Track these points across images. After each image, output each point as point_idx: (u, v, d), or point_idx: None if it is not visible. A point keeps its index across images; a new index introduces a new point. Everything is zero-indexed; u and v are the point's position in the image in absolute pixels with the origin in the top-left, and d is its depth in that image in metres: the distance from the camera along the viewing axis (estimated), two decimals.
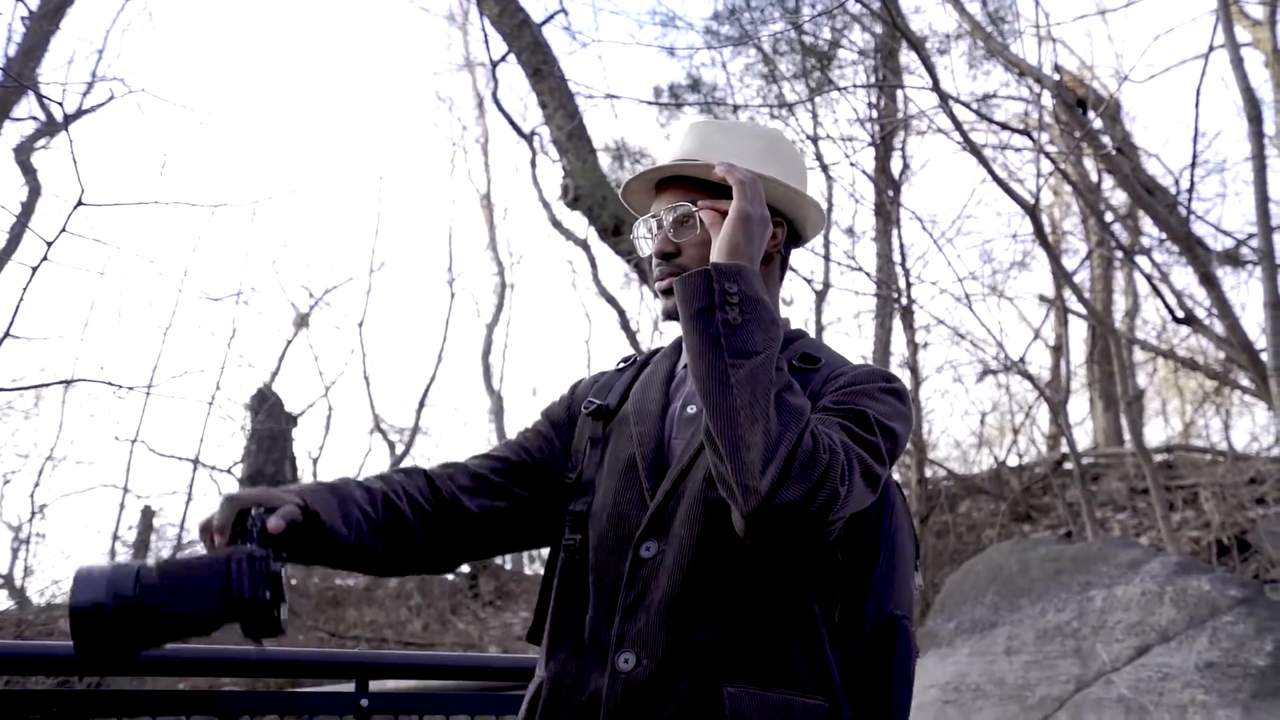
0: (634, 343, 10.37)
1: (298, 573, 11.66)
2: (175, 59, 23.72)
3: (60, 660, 2.05)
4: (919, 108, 8.24)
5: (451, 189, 25.54)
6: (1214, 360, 8.76)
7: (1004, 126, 7.51)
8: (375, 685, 2.30)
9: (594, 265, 11.10)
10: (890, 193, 8.87)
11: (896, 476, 1.52)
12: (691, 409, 1.50)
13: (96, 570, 1.23)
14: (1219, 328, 6.44)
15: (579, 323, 27.76)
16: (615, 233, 8.63)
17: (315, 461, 15.50)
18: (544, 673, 1.46)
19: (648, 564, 1.41)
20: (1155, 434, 12.03)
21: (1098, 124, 7.58)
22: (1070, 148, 7.16)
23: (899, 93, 8.72)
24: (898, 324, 8.95)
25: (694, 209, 1.48)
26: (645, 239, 1.56)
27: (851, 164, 8.77)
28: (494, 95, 10.07)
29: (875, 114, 8.86)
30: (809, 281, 9.40)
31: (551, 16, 9.45)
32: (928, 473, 8.34)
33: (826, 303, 9.94)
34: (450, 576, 12.11)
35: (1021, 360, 9.27)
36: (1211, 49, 6.10)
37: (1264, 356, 5.28)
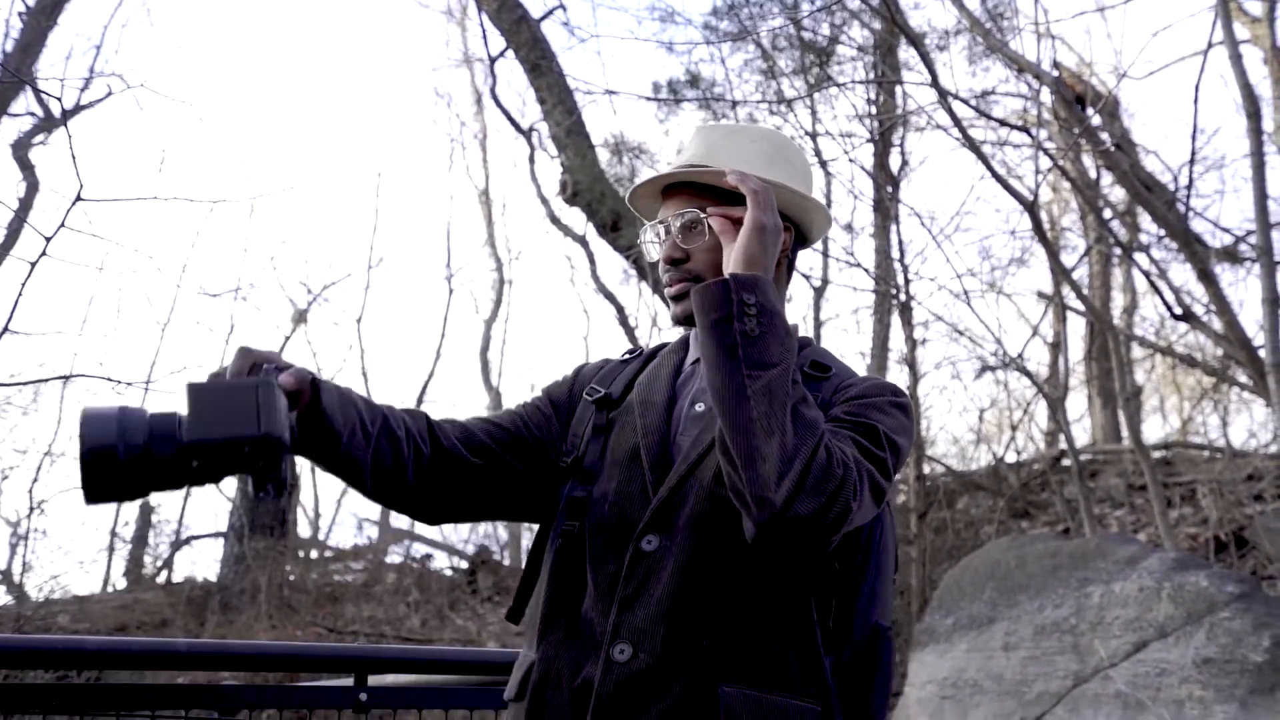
0: (632, 339, 10.37)
1: (297, 569, 11.67)
2: (173, 55, 23.71)
3: (59, 655, 2.06)
4: (918, 104, 8.25)
5: (450, 185, 25.62)
6: (1212, 357, 8.78)
7: (1003, 123, 7.51)
8: (374, 680, 2.31)
9: (592, 261, 11.08)
10: (889, 189, 8.87)
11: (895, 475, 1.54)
12: (699, 407, 1.51)
13: (106, 412, 1.18)
14: (1217, 324, 6.45)
15: (577, 319, 27.77)
16: (614, 228, 8.62)
17: None
18: (534, 654, 1.46)
19: (649, 557, 1.41)
20: (1153, 430, 12.03)
21: (1096, 120, 7.57)
22: (1069, 144, 7.15)
23: (898, 89, 8.72)
24: (896, 320, 8.95)
25: (702, 215, 1.49)
26: (653, 244, 1.56)
27: (850, 160, 8.77)
28: (492, 91, 10.04)
29: (874, 110, 8.85)
30: (807, 278, 9.42)
31: (550, 12, 9.41)
32: (926, 469, 8.34)
33: (825, 299, 9.96)
34: (449, 572, 12.13)
35: (1020, 357, 9.27)
36: (1210, 45, 6.11)
37: (1262, 353, 5.28)
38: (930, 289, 19.61)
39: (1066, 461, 8.51)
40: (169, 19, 26.80)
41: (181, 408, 1.21)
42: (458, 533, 13.06)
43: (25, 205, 8.55)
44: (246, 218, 18.43)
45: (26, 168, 8.61)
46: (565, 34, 21.29)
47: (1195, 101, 6.07)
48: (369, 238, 24.92)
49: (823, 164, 8.71)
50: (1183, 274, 8.85)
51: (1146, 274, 7.42)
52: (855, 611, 1.42)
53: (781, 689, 1.36)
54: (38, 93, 8.22)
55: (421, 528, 14.21)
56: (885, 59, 8.54)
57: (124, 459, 1.16)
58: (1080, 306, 9.27)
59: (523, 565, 1.62)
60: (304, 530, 14.29)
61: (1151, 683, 4.27)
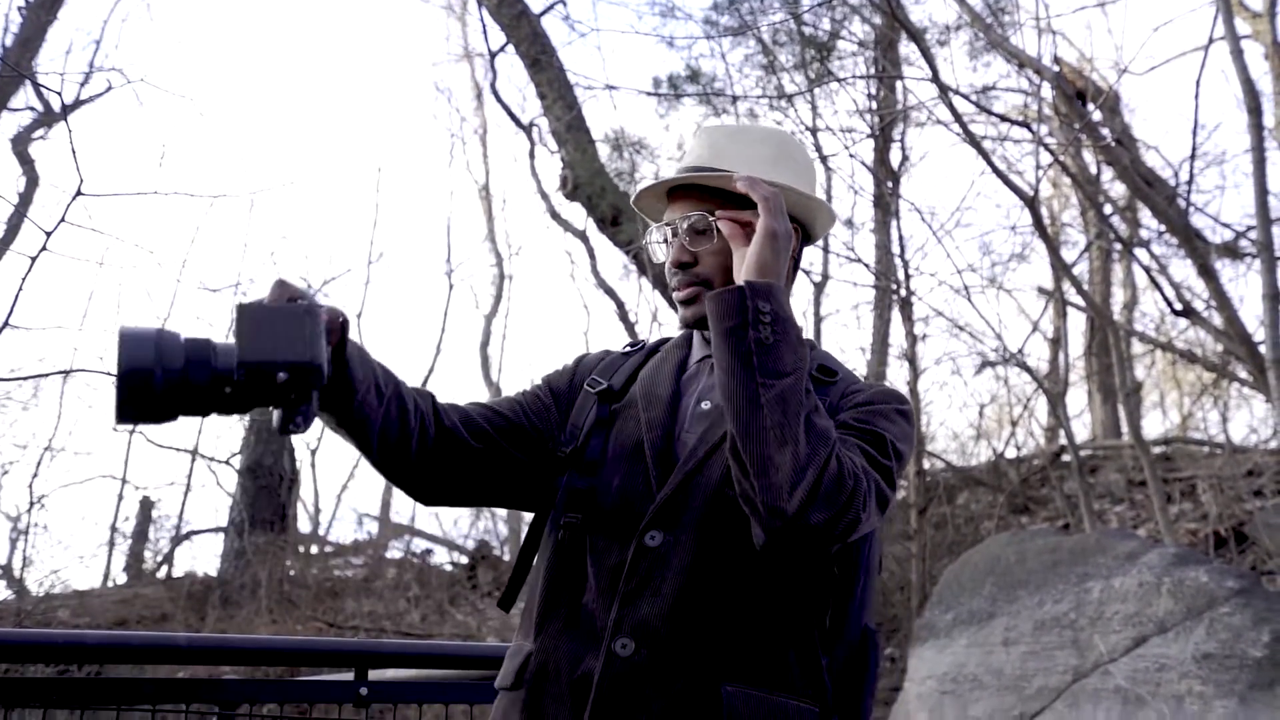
0: (633, 334, 10.37)
1: (297, 564, 11.68)
2: (173, 50, 23.69)
3: (59, 649, 2.06)
4: (918, 99, 8.24)
5: (450, 180, 25.59)
6: (1212, 352, 8.78)
7: (1003, 118, 7.50)
8: (374, 674, 2.31)
9: (592, 256, 11.07)
10: (889, 184, 8.85)
11: None
12: (706, 404, 1.51)
13: (144, 333, 1.16)
14: (1217, 320, 6.44)
15: (577, 314, 27.79)
16: (614, 224, 8.61)
17: (314, 453, 15.50)
18: (531, 645, 1.45)
19: (652, 553, 1.41)
20: (1153, 426, 12.04)
21: (1097, 116, 7.56)
22: (1069, 140, 7.14)
23: (898, 84, 8.71)
24: (896, 316, 8.95)
25: (710, 219, 1.48)
26: (659, 245, 1.56)
27: (850, 155, 8.74)
28: (492, 86, 10.02)
29: (874, 105, 8.84)
30: (807, 273, 9.41)
31: (550, 7, 9.39)
32: (926, 465, 8.34)
33: (825, 294, 9.97)
34: (449, 568, 12.14)
35: (1020, 352, 9.26)
36: (1211, 41, 6.10)
37: (1262, 349, 5.27)
38: (931, 284, 19.59)
39: (1066, 457, 8.51)
40: (168, 14, 26.82)
41: (211, 335, 1.20)
42: (458, 528, 13.10)
43: (25, 200, 8.55)
44: (246, 213, 18.40)
45: (26, 162, 8.62)
46: (565, 29, 21.20)
47: (1196, 97, 6.07)
48: (369, 233, 25.02)
49: (823, 159, 8.70)
50: (1183, 269, 8.82)
51: (1147, 269, 7.43)
52: (849, 614, 1.44)
53: (782, 689, 1.37)
54: (38, 87, 8.22)
55: (422, 523, 14.21)
56: (886, 54, 8.53)
57: (160, 382, 1.14)
58: (1080, 302, 9.27)
59: None
60: (304, 525, 14.31)
61: (1151, 678, 4.27)
